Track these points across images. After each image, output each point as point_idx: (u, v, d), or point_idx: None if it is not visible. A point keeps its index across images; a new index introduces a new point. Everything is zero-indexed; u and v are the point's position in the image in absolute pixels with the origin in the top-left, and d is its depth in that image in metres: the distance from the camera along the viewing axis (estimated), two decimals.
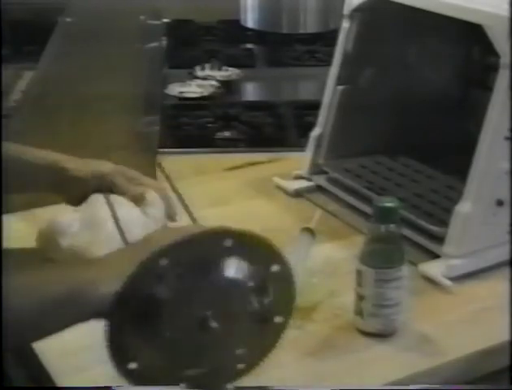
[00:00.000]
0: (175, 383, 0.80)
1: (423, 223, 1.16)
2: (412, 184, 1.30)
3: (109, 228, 1.00)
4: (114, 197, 1.05)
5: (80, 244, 1.01)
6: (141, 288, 0.77)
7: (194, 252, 0.79)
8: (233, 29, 2.26)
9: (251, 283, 0.80)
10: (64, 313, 0.77)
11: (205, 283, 0.79)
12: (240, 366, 0.83)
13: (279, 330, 0.84)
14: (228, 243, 0.79)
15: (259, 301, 0.81)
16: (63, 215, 1.05)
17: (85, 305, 0.77)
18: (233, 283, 0.80)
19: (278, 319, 0.83)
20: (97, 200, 1.05)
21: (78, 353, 0.94)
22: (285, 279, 0.83)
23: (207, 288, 0.79)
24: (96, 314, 0.77)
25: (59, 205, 1.11)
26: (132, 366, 0.78)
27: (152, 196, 1.06)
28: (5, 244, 0.91)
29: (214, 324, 0.78)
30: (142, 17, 2.34)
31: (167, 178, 1.07)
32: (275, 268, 0.82)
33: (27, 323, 0.77)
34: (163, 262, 0.77)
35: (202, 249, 0.79)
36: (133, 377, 0.79)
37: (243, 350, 0.82)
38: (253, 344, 0.83)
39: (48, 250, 1.04)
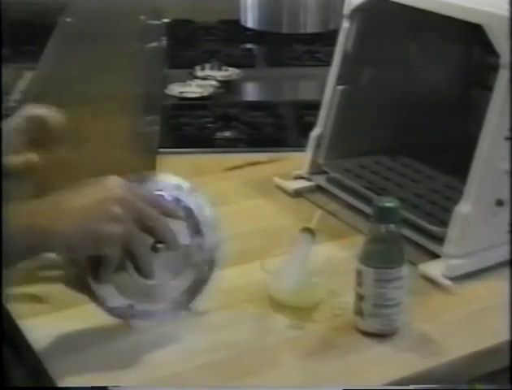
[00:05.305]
0: None
1: (423, 223, 1.16)
2: (412, 184, 1.30)
3: None
4: None
5: None
6: None
7: None
8: (233, 29, 2.26)
9: None
10: (22, 245, 0.88)
11: None
12: None
13: None
14: None
15: None
16: None
17: (41, 239, 0.88)
18: None
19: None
20: None
21: (78, 353, 0.94)
22: None
23: None
24: (47, 249, 0.92)
25: None
26: None
27: None
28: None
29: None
30: (142, 17, 2.34)
31: None
32: None
33: None
34: None
35: None
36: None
37: None
38: None
39: None
